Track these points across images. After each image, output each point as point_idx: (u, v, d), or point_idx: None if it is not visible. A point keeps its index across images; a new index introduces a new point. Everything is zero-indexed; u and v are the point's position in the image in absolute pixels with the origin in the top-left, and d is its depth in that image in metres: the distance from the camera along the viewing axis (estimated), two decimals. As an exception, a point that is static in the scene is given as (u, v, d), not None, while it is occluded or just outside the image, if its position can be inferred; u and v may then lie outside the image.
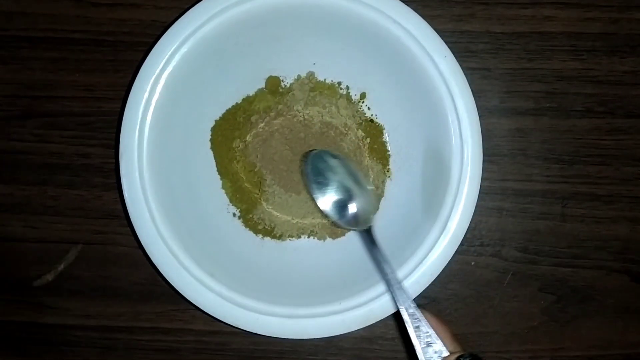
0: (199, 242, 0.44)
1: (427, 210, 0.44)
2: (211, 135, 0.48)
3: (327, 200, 0.44)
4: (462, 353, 0.35)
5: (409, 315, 0.38)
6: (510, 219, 0.50)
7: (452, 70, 0.43)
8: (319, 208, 0.44)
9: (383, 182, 0.48)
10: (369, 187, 0.46)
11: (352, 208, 0.44)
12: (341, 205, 0.44)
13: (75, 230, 0.50)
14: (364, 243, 0.45)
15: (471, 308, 0.50)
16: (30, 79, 0.51)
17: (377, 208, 0.47)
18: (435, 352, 0.36)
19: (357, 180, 0.45)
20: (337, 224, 0.45)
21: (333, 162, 0.45)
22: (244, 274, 0.45)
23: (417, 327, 0.37)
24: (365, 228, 0.44)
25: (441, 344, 0.36)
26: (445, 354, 0.36)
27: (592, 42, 0.50)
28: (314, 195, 0.44)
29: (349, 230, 0.47)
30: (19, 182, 0.50)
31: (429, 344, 0.36)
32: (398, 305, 0.39)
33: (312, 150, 0.46)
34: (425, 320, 0.37)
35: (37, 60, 0.51)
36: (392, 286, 0.40)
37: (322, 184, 0.44)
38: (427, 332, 0.36)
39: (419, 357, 0.36)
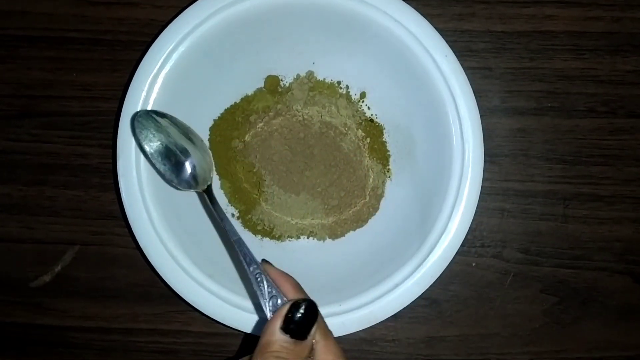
0: (198, 243, 0.44)
1: (427, 210, 0.44)
2: (209, 135, 0.48)
3: (162, 161, 0.42)
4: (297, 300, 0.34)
5: (251, 273, 0.38)
6: (512, 220, 0.49)
7: (453, 69, 0.42)
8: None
9: (383, 182, 0.48)
10: (204, 145, 0.45)
11: (189, 167, 0.43)
12: (177, 165, 0.43)
13: (72, 231, 0.50)
14: (204, 204, 0.45)
15: (472, 309, 0.49)
16: (27, 79, 0.50)
17: (213, 166, 0.45)
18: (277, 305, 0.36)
19: (190, 139, 0.44)
20: (176, 187, 0.43)
21: (163, 122, 0.42)
22: (243, 274, 0.45)
23: (261, 283, 0.37)
24: (204, 188, 0.43)
25: (282, 297, 0.36)
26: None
27: (594, 41, 0.50)
28: (149, 156, 0.42)
29: (189, 190, 0.44)
30: (16, 183, 0.50)
31: (272, 298, 0.36)
32: (244, 264, 0.38)
33: (136, 112, 0.43)
34: (269, 275, 0.37)
35: (34, 59, 0.50)
36: (236, 245, 0.39)
37: (155, 144, 0.42)
38: (270, 290, 0.37)
39: (265, 312, 0.36)
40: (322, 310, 0.41)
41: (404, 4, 0.43)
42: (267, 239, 0.48)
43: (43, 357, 0.50)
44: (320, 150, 0.47)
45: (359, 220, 0.47)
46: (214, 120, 0.48)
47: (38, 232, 0.50)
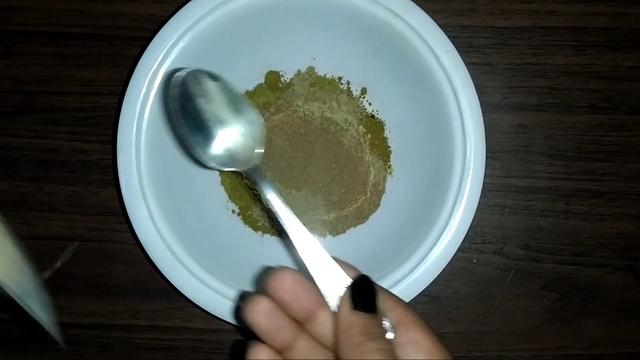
0: (198, 239, 0.44)
1: (428, 207, 0.43)
2: (210, 131, 0.47)
3: (191, 131, 0.35)
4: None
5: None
6: (513, 216, 0.49)
7: (454, 65, 0.42)
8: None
9: (384, 178, 0.47)
10: (256, 120, 0.37)
11: (225, 141, 0.36)
12: (210, 138, 0.36)
13: (72, 227, 0.49)
14: (253, 185, 0.39)
15: (473, 306, 0.49)
16: (26, 74, 0.50)
17: (263, 142, 0.37)
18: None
19: (237, 109, 0.37)
20: (205, 164, 0.36)
21: (210, 86, 0.36)
22: (243, 271, 0.44)
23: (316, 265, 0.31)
24: (249, 167, 0.36)
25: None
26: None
27: (596, 37, 0.50)
28: (180, 129, 0.35)
29: (232, 172, 0.40)
30: (14, 179, 0.50)
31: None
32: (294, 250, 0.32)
33: (180, 68, 0.37)
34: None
35: (33, 55, 0.50)
36: (285, 229, 0.32)
37: (190, 114, 0.35)
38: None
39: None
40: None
41: (406, -1, 0.43)
42: (268, 235, 0.47)
43: (42, 355, 0.50)
44: (321, 146, 0.47)
45: (360, 217, 0.47)
46: (214, 116, 0.47)
47: (37, 228, 0.50)
